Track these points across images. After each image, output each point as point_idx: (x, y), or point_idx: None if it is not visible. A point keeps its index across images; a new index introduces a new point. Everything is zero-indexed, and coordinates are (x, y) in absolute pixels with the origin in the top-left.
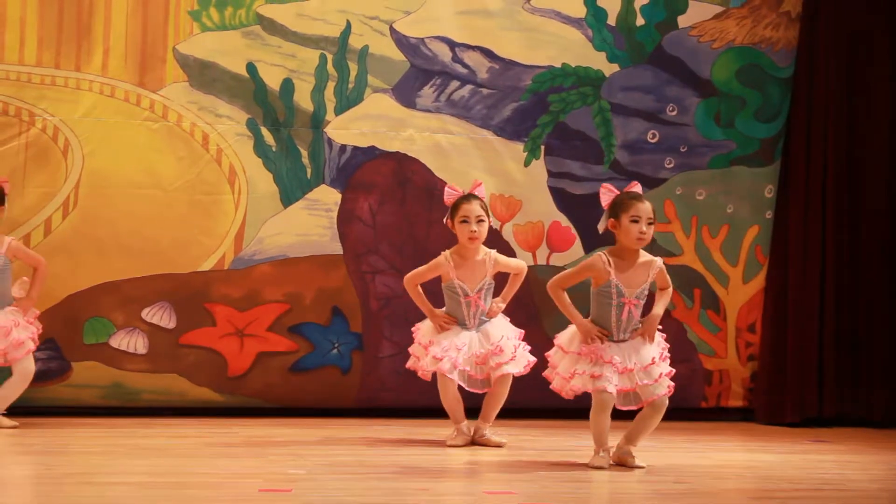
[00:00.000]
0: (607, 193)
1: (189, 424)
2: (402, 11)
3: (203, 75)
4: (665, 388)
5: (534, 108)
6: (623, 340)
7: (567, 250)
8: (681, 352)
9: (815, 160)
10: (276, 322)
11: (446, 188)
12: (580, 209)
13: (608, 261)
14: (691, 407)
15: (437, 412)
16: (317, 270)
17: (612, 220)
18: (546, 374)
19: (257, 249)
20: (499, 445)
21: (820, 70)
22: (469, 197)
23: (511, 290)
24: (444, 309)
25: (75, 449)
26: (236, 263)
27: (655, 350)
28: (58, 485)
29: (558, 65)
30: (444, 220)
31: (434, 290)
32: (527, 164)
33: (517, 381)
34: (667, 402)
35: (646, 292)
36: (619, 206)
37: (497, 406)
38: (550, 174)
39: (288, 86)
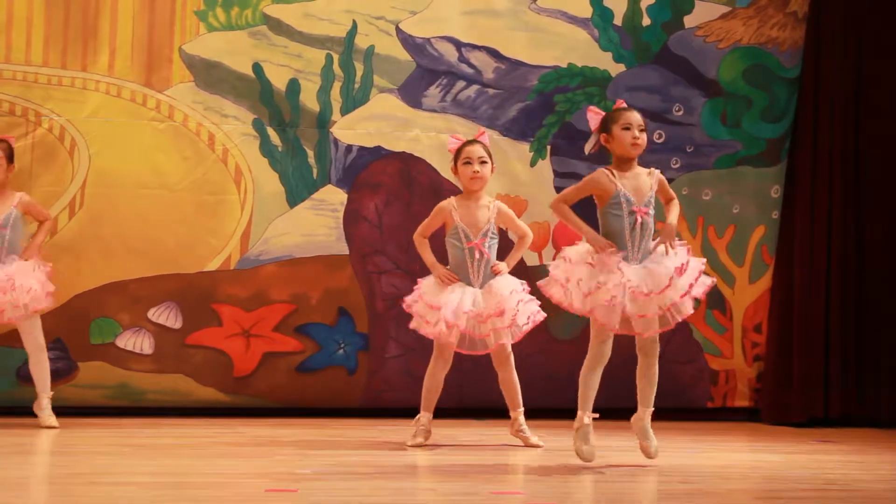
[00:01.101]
0: (595, 116)
1: (195, 425)
2: (409, 11)
3: (209, 75)
4: (684, 310)
5: (540, 108)
6: (637, 261)
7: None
8: (687, 352)
9: (822, 160)
10: (283, 322)
11: (450, 138)
12: (586, 209)
13: (612, 172)
14: (697, 407)
15: (442, 412)
16: (323, 271)
17: (603, 134)
18: (542, 286)
19: (263, 250)
20: (535, 447)
21: (826, 70)
22: (472, 141)
23: (515, 254)
24: (448, 267)
25: (81, 449)
26: (242, 263)
27: (672, 263)
28: (64, 485)
29: (564, 65)
30: (451, 168)
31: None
32: (533, 164)
33: (523, 380)
34: (657, 344)
35: (653, 200)
36: (609, 120)
37: (515, 390)
38: (556, 174)
39: (294, 86)
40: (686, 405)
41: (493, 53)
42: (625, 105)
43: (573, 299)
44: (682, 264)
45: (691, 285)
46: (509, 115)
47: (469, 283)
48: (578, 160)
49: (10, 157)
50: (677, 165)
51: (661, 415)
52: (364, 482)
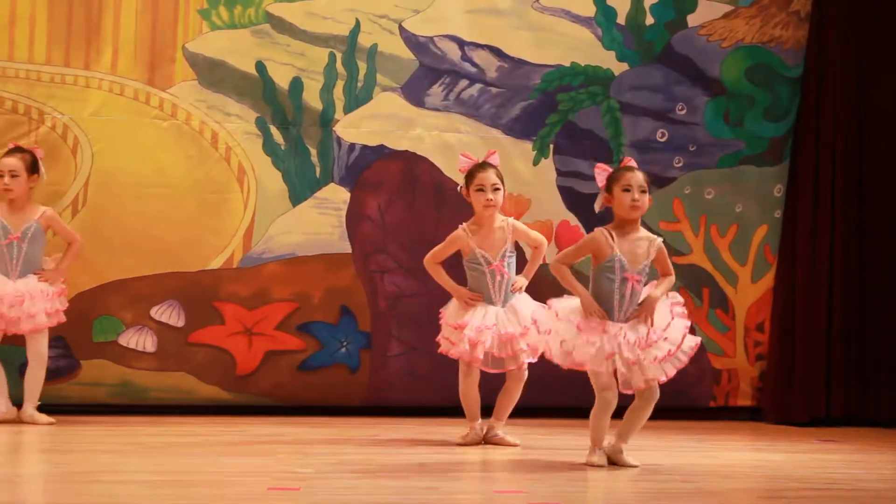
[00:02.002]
0: (602, 173)
1: (197, 423)
2: (412, 10)
3: (212, 74)
4: (658, 372)
5: (543, 107)
6: (623, 321)
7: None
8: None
9: (824, 159)
10: (285, 321)
11: (461, 157)
12: (589, 208)
13: (610, 234)
14: (700, 406)
15: (445, 411)
16: (325, 269)
17: (606, 195)
18: (530, 340)
19: (266, 248)
20: (513, 445)
21: (829, 69)
22: (484, 165)
23: (533, 265)
24: (467, 287)
25: (83, 447)
26: (245, 262)
27: (658, 325)
28: (66, 483)
29: (567, 64)
30: (459, 189)
31: (455, 268)
32: (535, 163)
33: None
34: (657, 392)
35: (647, 269)
36: (612, 180)
37: (510, 405)
38: (559, 173)
39: (297, 84)
40: (688, 404)
41: (496, 52)
42: (630, 164)
43: (553, 353)
44: (667, 325)
45: (670, 352)
46: (512, 113)
47: (490, 303)
48: (581, 159)
49: (31, 168)
50: (680, 164)
51: (663, 414)
52: (366, 481)
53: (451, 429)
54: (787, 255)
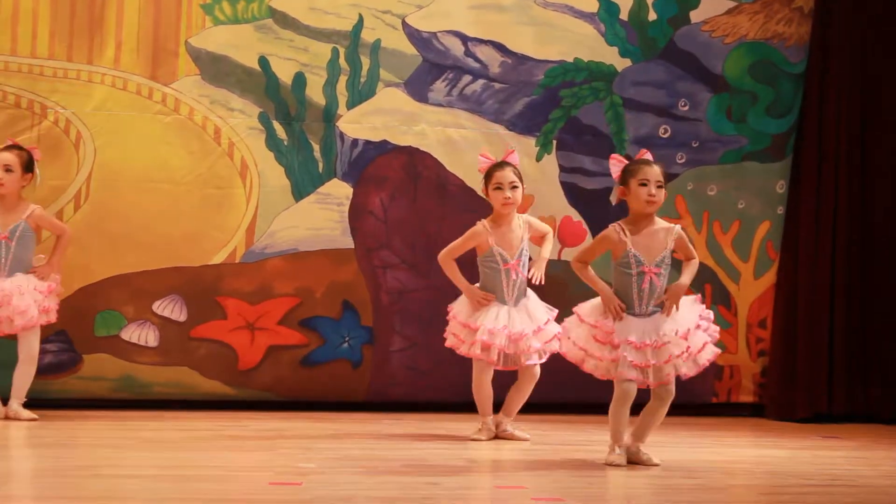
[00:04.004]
0: (617, 164)
1: (199, 417)
2: (415, 5)
3: (215, 69)
4: (682, 367)
5: (546, 103)
6: (645, 315)
7: (578, 245)
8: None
9: (827, 156)
10: (287, 316)
11: (479, 156)
12: (592, 204)
13: (622, 230)
14: (702, 402)
15: (447, 406)
16: (328, 264)
17: (621, 188)
18: (559, 346)
19: (269, 243)
20: (523, 440)
21: (832, 66)
22: (502, 164)
23: (548, 249)
24: (478, 285)
25: (85, 441)
26: (247, 257)
27: (679, 325)
28: (68, 477)
29: (570, 59)
30: (481, 190)
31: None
32: (538, 158)
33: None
34: (672, 391)
35: (667, 260)
36: (628, 173)
37: (520, 402)
38: (562, 169)
39: (300, 80)
40: (690, 400)
41: (500, 48)
42: (646, 157)
43: (569, 352)
44: (687, 330)
45: (689, 349)
46: (515, 109)
47: (502, 302)
48: (584, 155)
49: (26, 167)
50: (683, 160)
51: None
52: (368, 476)
53: (453, 424)
54: (790, 252)
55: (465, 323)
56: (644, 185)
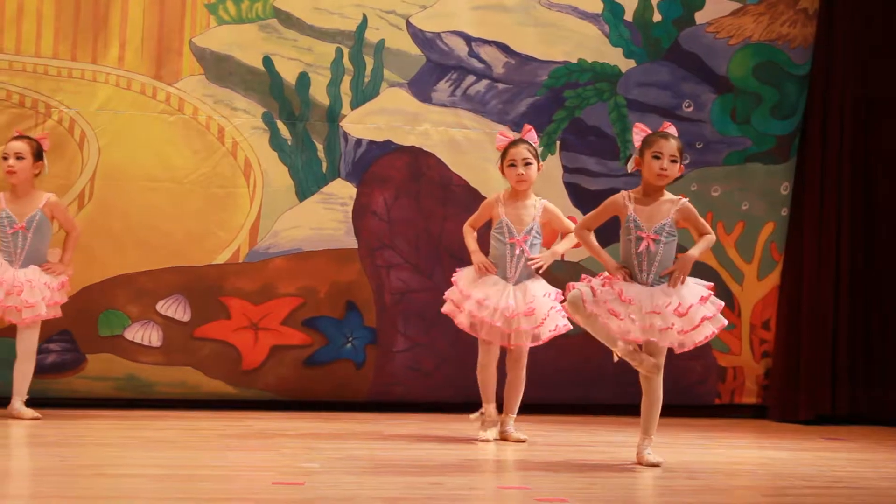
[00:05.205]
0: (639, 132)
1: (203, 417)
2: (419, 6)
3: (219, 68)
4: (669, 341)
5: (550, 104)
6: (647, 284)
7: (581, 245)
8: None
9: (831, 157)
10: (291, 316)
11: (498, 135)
12: (595, 205)
13: (628, 196)
14: (705, 403)
15: (450, 407)
16: (331, 264)
17: (637, 157)
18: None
19: (272, 243)
20: (520, 441)
21: (836, 67)
22: (517, 142)
23: (564, 245)
24: (488, 256)
25: (89, 441)
26: (251, 257)
27: (676, 300)
28: (71, 476)
29: (575, 60)
30: (498, 167)
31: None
32: (542, 159)
33: (531, 375)
34: (655, 383)
35: (668, 229)
36: (645, 144)
37: (517, 394)
38: (566, 170)
39: (304, 79)
40: (694, 402)
41: (504, 48)
42: (667, 131)
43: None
44: (690, 306)
45: (684, 331)
46: (519, 110)
47: (505, 278)
48: (587, 156)
49: (37, 155)
50: (687, 161)
51: (668, 411)
52: (371, 476)
53: (456, 425)
54: (794, 253)
55: (461, 289)
56: (657, 157)
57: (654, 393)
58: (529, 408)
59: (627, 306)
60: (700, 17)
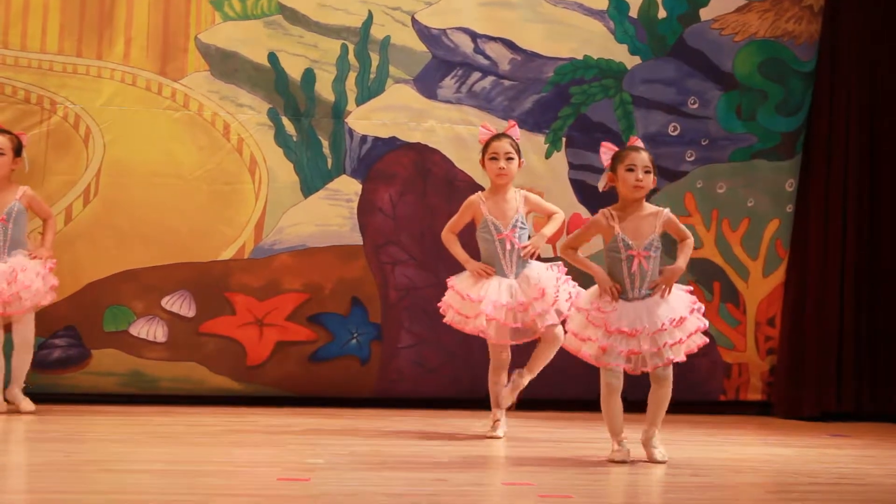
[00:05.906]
0: (607, 151)
1: (208, 413)
2: (424, 2)
3: (225, 65)
4: (671, 355)
5: (555, 100)
6: (639, 299)
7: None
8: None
9: (837, 154)
10: (296, 312)
11: (481, 128)
12: (601, 201)
13: (611, 215)
14: (710, 400)
15: (454, 403)
16: (336, 261)
17: (610, 174)
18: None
19: (277, 239)
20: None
21: (842, 64)
22: (499, 136)
23: (551, 227)
24: (480, 261)
25: (94, 436)
26: (256, 253)
27: (671, 312)
28: (76, 472)
29: (580, 57)
30: (479, 161)
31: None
32: (548, 156)
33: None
34: (669, 374)
35: (656, 244)
36: (617, 159)
37: (541, 363)
38: (571, 166)
39: (309, 76)
40: (699, 398)
41: (509, 45)
42: (636, 144)
43: (568, 344)
44: (682, 318)
45: (681, 340)
46: (525, 106)
47: (503, 275)
48: (593, 152)
49: (17, 151)
50: (692, 158)
51: (673, 408)
52: (376, 472)
53: (460, 421)
54: (799, 250)
55: (465, 294)
56: (631, 170)
57: (669, 387)
58: (534, 404)
59: (616, 336)
60: (705, 13)
